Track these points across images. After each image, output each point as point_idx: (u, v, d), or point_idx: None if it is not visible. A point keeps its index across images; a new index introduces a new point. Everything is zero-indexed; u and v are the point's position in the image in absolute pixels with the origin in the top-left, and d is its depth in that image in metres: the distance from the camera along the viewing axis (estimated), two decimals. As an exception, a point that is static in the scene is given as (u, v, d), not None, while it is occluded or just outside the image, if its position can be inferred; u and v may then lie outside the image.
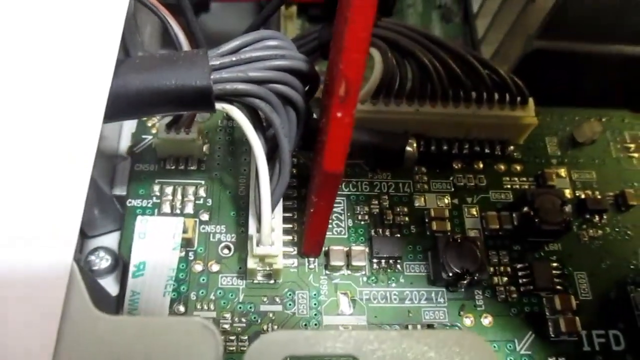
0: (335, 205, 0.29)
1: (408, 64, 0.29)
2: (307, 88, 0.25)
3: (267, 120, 0.25)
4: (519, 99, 0.30)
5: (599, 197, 0.31)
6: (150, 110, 0.23)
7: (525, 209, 0.29)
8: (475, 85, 0.29)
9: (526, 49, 0.35)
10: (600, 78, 0.37)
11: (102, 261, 0.30)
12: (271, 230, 0.25)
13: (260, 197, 0.24)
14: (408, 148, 0.28)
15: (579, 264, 0.29)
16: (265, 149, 0.25)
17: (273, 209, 0.25)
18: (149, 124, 0.30)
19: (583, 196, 0.31)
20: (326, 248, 0.28)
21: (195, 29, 0.25)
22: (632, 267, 0.30)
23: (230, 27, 0.43)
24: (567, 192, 0.31)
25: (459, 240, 0.28)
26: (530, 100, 0.30)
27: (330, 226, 0.29)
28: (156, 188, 0.29)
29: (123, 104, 0.22)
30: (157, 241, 0.24)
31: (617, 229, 0.31)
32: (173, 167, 0.29)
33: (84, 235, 0.31)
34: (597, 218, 0.31)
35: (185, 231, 0.26)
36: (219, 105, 0.23)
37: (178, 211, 0.28)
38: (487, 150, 0.32)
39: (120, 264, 0.29)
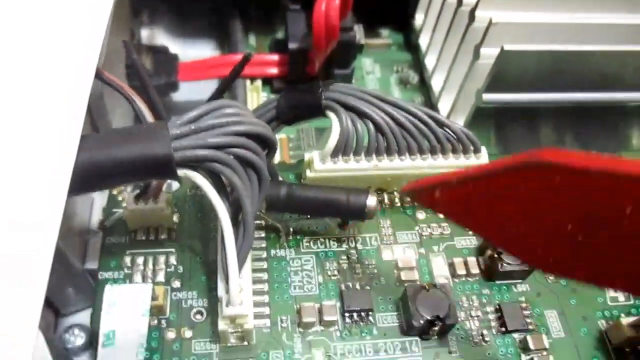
0: (304, 262, 0.30)
1: (364, 122, 0.30)
2: (265, 151, 0.26)
3: (229, 184, 0.26)
4: (472, 148, 0.32)
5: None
6: (117, 181, 0.24)
7: (489, 252, 0.30)
8: (428, 139, 0.31)
9: (477, 103, 0.37)
10: (547, 125, 0.39)
11: (77, 339, 0.30)
12: (239, 289, 0.25)
13: (227, 259, 0.25)
14: (369, 203, 0.29)
15: (548, 303, 0.30)
16: (230, 212, 0.26)
17: (240, 268, 0.25)
18: (120, 198, 0.31)
19: (545, 236, 0.32)
20: (297, 306, 0.28)
21: (157, 103, 0.26)
22: (600, 301, 0.30)
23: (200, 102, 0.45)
24: (530, 234, 0.32)
25: (427, 289, 0.28)
26: (483, 149, 0.32)
27: (300, 283, 0.29)
28: (127, 259, 0.29)
29: (90, 177, 0.23)
30: (126, 309, 0.25)
31: (581, 266, 0.31)
32: (144, 238, 0.30)
33: (58, 313, 0.31)
34: (560, 256, 0.32)
35: (155, 298, 0.26)
36: (181, 172, 0.24)
37: (150, 280, 0.29)
38: (448, 200, 0.33)
39: (95, 341, 0.29)
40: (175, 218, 0.31)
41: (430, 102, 0.43)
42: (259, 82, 0.43)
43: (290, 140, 0.41)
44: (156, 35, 0.48)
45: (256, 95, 0.43)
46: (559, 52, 0.34)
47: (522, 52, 0.33)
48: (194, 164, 0.24)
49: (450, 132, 0.31)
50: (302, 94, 0.31)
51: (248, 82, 0.43)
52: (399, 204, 0.33)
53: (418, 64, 0.47)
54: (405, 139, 0.31)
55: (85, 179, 0.23)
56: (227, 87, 0.27)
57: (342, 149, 0.30)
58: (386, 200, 0.33)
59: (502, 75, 0.35)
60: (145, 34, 0.48)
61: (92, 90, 0.31)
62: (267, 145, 0.26)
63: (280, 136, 0.40)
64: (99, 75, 0.28)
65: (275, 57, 0.44)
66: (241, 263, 0.25)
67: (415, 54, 0.47)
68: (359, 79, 0.46)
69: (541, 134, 0.40)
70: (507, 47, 0.33)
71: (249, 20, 0.48)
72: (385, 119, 0.30)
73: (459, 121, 0.40)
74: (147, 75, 0.26)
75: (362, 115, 0.30)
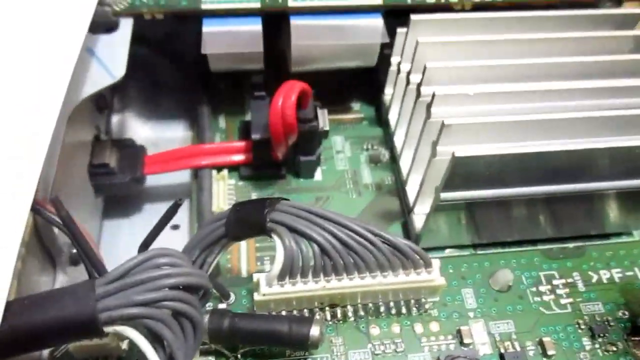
0: (252, 391, 0.30)
1: (309, 244, 0.30)
2: (201, 296, 0.26)
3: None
4: (422, 262, 0.31)
5: (518, 349, 0.31)
6: (40, 345, 0.24)
7: (442, 375, 0.29)
8: (375, 256, 0.30)
9: (436, 200, 0.36)
10: (520, 213, 0.38)
11: None
12: None
13: (160, 413, 0.25)
14: (312, 333, 0.28)
15: None
16: (165, 360, 0.25)
17: (175, 421, 0.25)
18: (70, 326, 0.31)
19: (502, 350, 0.31)
20: None
21: (90, 255, 0.26)
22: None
23: (167, 194, 0.46)
24: (487, 347, 0.31)
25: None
26: (435, 262, 0.31)
27: (247, 415, 0.29)
28: (74, 394, 0.29)
29: (15, 343, 0.23)
30: None
31: (540, 383, 0.31)
32: (93, 369, 0.30)
33: None
34: (518, 373, 0.31)
35: None
36: (110, 329, 0.24)
37: (96, 417, 0.29)
38: (403, 311, 0.32)
39: None
40: (124, 345, 0.31)
41: (400, 182, 0.43)
42: (225, 172, 0.43)
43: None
44: (127, 120, 0.49)
45: (223, 185, 0.43)
46: (519, 155, 0.33)
47: (476, 157, 0.33)
48: (124, 321, 0.24)
49: (394, 248, 0.30)
50: (248, 212, 0.31)
51: (214, 172, 0.43)
52: (352, 319, 0.32)
53: (389, 140, 0.46)
54: (352, 258, 0.30)
55: (11, 345, 0.23)
56: (157, 234, 0.27)
57: (288, 272, 0.30)
58: (339, 315, 0.32)
59: (461, 175, 0.34)
60: (116, 119, 0.48)
61: (39, 218, 0.31)
62: (201, 291, 0.26)
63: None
64: (37, 211, 0.28)
65: (240, 144, 0.44)
66: (177, 415, 0.25)
67: (386, 129, 0.47)
68: (328, 159, 0.45)
69: (515, 221, 0.39)
70: (458, 154, 0.32)
71: (218, 101, 0.48)
72: (330, 240, 0.30)
73: (425, 207, 0.39)
74: (80, 232, 0.26)
75: (306, 237, 0.30)
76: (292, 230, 0.30)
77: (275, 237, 0.30)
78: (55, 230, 0.32)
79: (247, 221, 0.31)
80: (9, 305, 0.23)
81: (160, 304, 0.24)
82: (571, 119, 0.34)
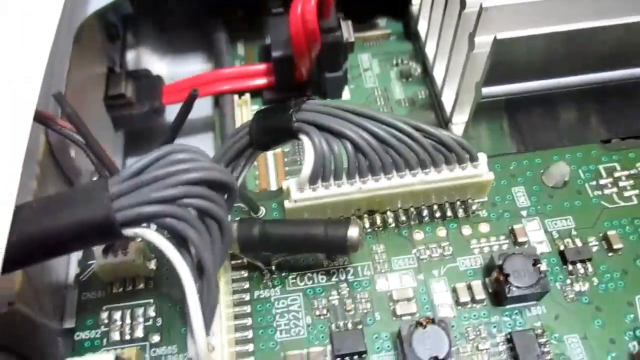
0: (291, 302, 0.28)
1: (341, 142, 0.27)
2: (225, 196, 0.24)
3: (188, 236, 0.23)
4: (467, 156, 0.28)
5: (579, 245, 0.28)
6: (59, 252, 0.22)
7: (495, 274, 0.27)
8: (415, 152, 0.27)
9: (477, 98, 0.33)
10: (566, 110, 0.35)
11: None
12: (211, 349, 0.23)
13: (191, 320, 0.23)
14: (350, 234, 0.26)
15: (568, 327, 0.26)
16: (193, 267, 0.23)
17: (208, 328, 0.23)
18: (94, 248, 0.30)
19: (562, 247, 0.28)
20: (282, 354, 0.26)
21: (100, 155, 0.24)
22: (629, 319, 0.26)
23: (189, 127, 0.43)
24: (544, 245, 0.29)
25: (424, 325, 0.25)
26: (482, 156, 0.28)
27: (287, 327, 0.27)
28: (104, 315, 0.28)
29: (28, 251, 0.21)
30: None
31: (605, 279, 0.27)
32: (121, 290, 0.28)
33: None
34: (581, 269, 0.28)
35: (126, 363, 0.25)
36: (130, 231, 0.22)
37: (127, 337, 0.27)
38: (449, 214, 0.30)
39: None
40: (152, 264, 0.29)
41: (435, 95, 0.40)
42: (247, 96, 0.41)
43: (286, 155, 0.38)
44: (143, 56, 0.46)
45: (245, 110, 0.41)
46: (565, 33, 0.29)
47: (519, 38, 0.29)
48: (142, 222, 0.22)
49: (435, 141, 0.27)
50: (273, 117, 0.28)
51: (236, 97, 0.41)
52: (393, 225, 0.30)
53: (419, 54, 0.43)
54: (389, 155, 0.27)
55: (24, 253, 0.21)
56: (178, 130, 0.25)
57: (320, 174, 0.28)
58: (378, 222, 0.30)
59: (503, 64, 0.31)
60: (131, 56, 0.46)
61: (53, 138, 0.29)
62: (225, 189, 0.24)
63: (275, 150, 0.38)
64: (43, 122, 0.26)
65: (261, 67, 0.41)
66: (209, 321, 0.23)
67: (416, 42, 0.43)
68: (355, 77, 0.42)
69: (561, 120, 0.36)
70: (500, 36, 0.29)
71: (236, 28, 0.46)
72: (364, 136, 0.27)
73: (464, 115, 0.36)
74: (87, 130, 0.24)
75: (337, 134, 0.27)
76: (322, 128, 0.27)
77: (303, 138, 0.27)
78: (72, 152, 0.30)
79: (272, 125, 0.28)
80: (17, 210, 0.21)
81: (181, 201, 0.22)
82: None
